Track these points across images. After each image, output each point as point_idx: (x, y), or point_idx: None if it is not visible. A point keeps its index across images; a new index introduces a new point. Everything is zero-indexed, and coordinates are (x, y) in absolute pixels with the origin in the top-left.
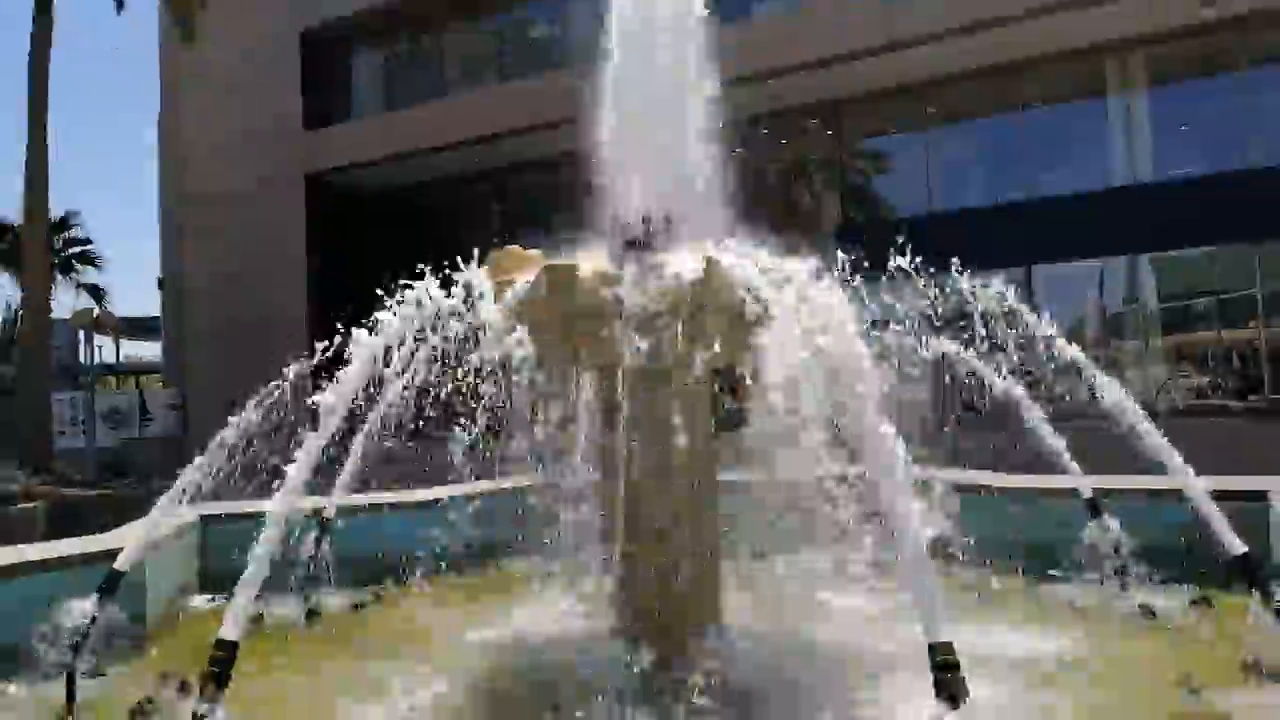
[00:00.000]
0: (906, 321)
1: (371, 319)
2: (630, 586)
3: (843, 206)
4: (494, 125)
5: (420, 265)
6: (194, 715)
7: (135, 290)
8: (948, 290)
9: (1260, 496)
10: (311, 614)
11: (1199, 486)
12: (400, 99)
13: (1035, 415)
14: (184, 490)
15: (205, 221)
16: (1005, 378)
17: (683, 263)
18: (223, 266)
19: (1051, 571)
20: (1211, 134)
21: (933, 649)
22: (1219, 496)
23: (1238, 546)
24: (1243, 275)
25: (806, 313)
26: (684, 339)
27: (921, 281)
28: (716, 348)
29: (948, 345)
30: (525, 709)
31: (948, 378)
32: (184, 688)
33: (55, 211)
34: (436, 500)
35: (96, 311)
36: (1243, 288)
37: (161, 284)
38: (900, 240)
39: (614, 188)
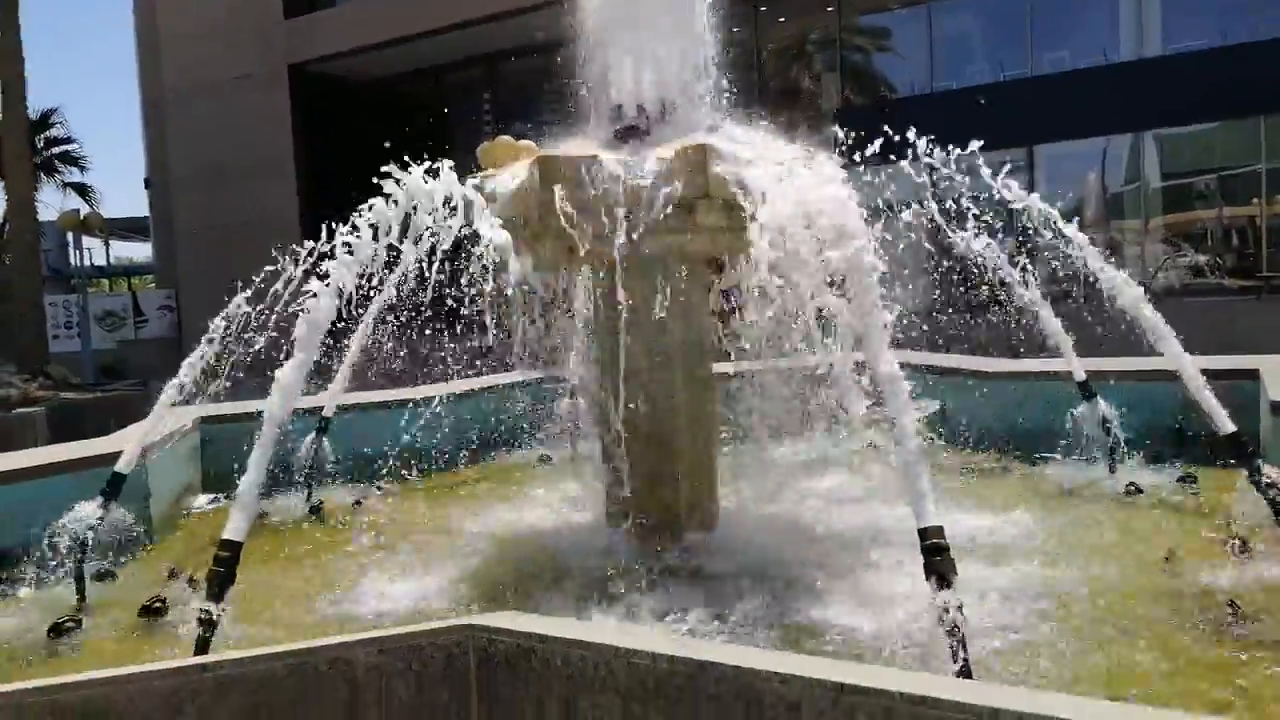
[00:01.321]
0: (908, 204)
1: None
2: (626, 478)
3: (842, 87)
4: (483, 8)
5: (410, 158)
6: (201, 616)
7: (123, 190)
8: (949, 173)
9: (1252, 375)
10: (314, 510)
11: (1191, 366)
12: None
13: (1033, 297)
14: (180, 389)
15: (188, 117)
16: (1004, 261)
17: (679, 151)
18: (209, 164)
19: (1043, 454)
20: (1219, 6)
21: (923, 533)
22: (1211, 376)
23: (1228, 426)
24: (1247, 151)
25: (804, 200)
26: (680, 229)
27: (922, 164)
28: (714, 238)
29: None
30: (520, 596)
31: (949, 260)
32: (193, 583)
33: (34, 109)
34: (436, 397)
35: (84, 212)
36: (1247, 163)
37: (148, 183)
38: (900, 121)
39: (608, 74)
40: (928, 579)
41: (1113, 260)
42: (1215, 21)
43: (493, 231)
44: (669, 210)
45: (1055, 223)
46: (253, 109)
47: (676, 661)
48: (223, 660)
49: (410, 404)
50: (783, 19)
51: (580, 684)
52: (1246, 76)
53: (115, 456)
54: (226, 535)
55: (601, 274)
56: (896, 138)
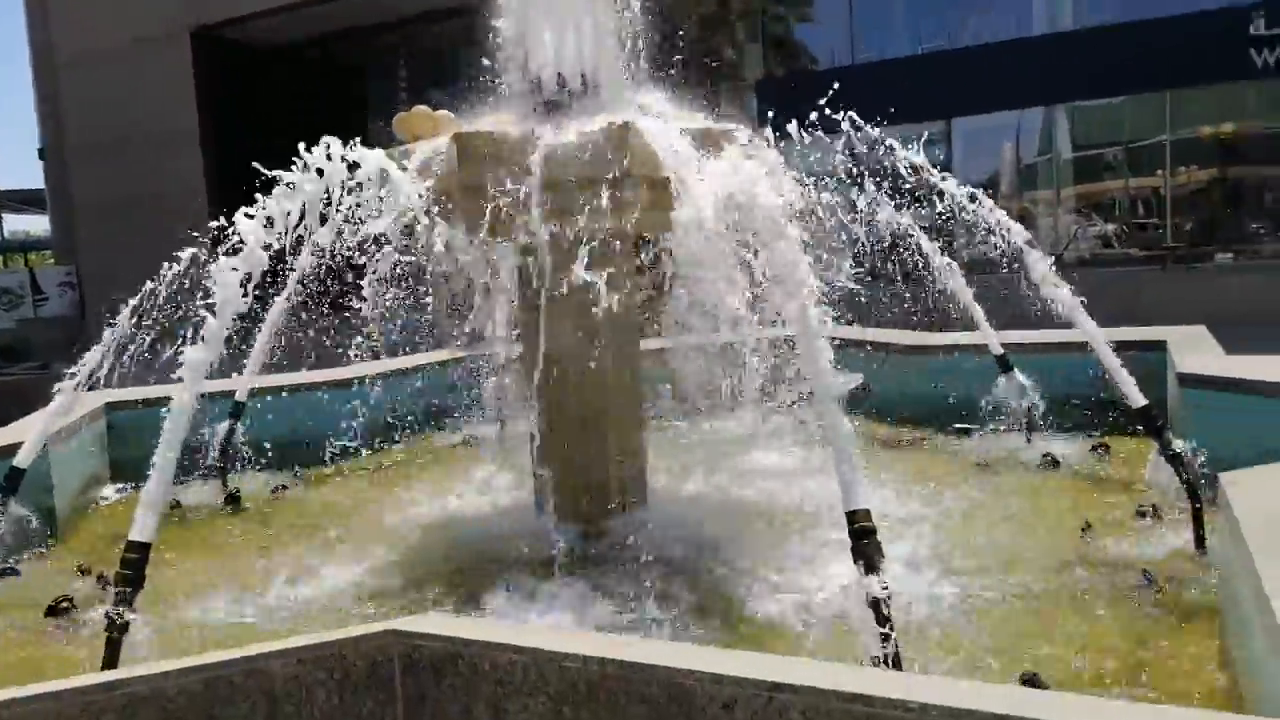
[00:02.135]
0: (828, 178)
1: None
2: (553, 459)
3: (764, 57)
4: None
5: (322, 128)
6: (109, 622)
7: (16, 160)
8: (870, 145)
9: (1159, 346)
10: (231, 498)
11: (1103, 340)
12: None
13: (952, 271)
14: (86, 376)
15: (84, 83)
16: (924, 235)
17: (601, 128)
18: (107, 134)
19: (962, 426)
20: None
21: (851, 515)
22: (1120, 347)
23: (1139, 400)
24: (1153, 124)
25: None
26: (603, 208)
27: (843, 137)
28: (637, 215)
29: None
30: (448, 586)
31: (868, 234)
32: (103, 580)
33: None
34: (355, 379)
35: None
36: (1152, 136)
37: (43, 154)
38: (821, 93)
39: (527, 44)
40: (855, 563)
41: (1028, 231)
42: None
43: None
44: (591, 187)
45: (972, 200)
46: (155, 75)
47: (608, 663)
48: (131, 677)
49: (330, 386)
50: None
51: (510, 688)
52: (1153, 51)
53: (14, 448)
54: (134, 536)
55: (523, 252)
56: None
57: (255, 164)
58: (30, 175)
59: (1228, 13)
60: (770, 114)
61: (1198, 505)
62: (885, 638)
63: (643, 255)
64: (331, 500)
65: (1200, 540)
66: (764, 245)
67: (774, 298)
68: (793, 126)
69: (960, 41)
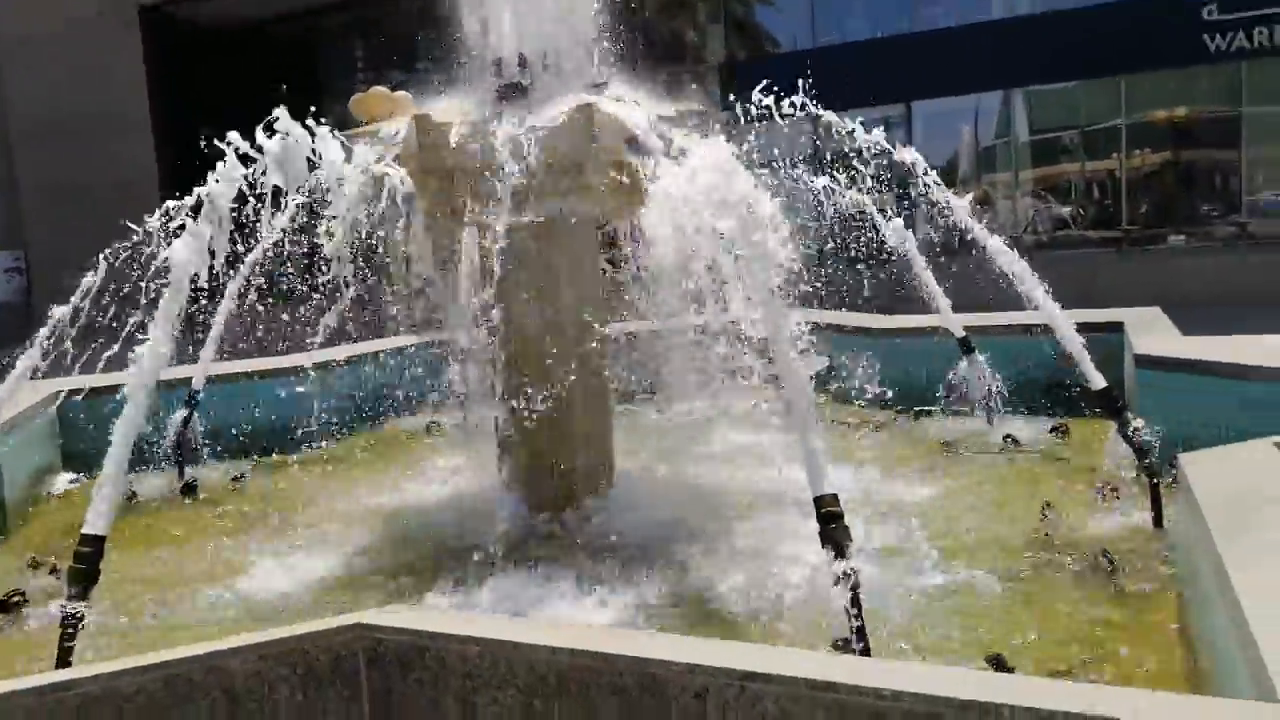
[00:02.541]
0: (790, 161)
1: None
2: (519, 444)
3: (725, 40)
4: None
5: (276, 111)
6: (63, 616)
7: None
8: (832, 129)
9: (1117, 328)
10: (188, 488)
11: (1064, 322)
12: None
13: (914, 254)
14: (33, 364)
15: (27, 64)
16: (886, 218)
17: (562, 111)
18: (54, 116)
19: (925, 408)
20: None
21: (818, 501)
22: (1078, 329)
23: (1099, 382)
24: (1109, 108)
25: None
26: (565, 192)
27: (805, 120)
28: (602, 201)
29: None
30: (414, 576)
31: (831, 217)
32: (55, 573)
33: None
34: (310, 365)
35: None
36: (1107, 120)
37: None
38: (782, 76)
39: (487, 24)
40: (824, 547)
41: (985, 213)
42: None
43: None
44: (555, 171)
45: (932, 182)
46: (101, 56)
47: (577, 654)
48: (86, 677)
49: (289, 372)
50: None
51: (478, 681)
52: (1108, 36)
53: None
54: (87, 529)
55: (488, 236)
56: (780, 94)
57: (211, 146)
58: None
59: None
60: (731, 97)
61: (1155, 484)
62: (853, 622)
63: (609, 239)
64: (291, 489)
65: (1158, 518)
66: (731, 228)
67: (740, 282)
68: (747, 108)
69: (919, 25)
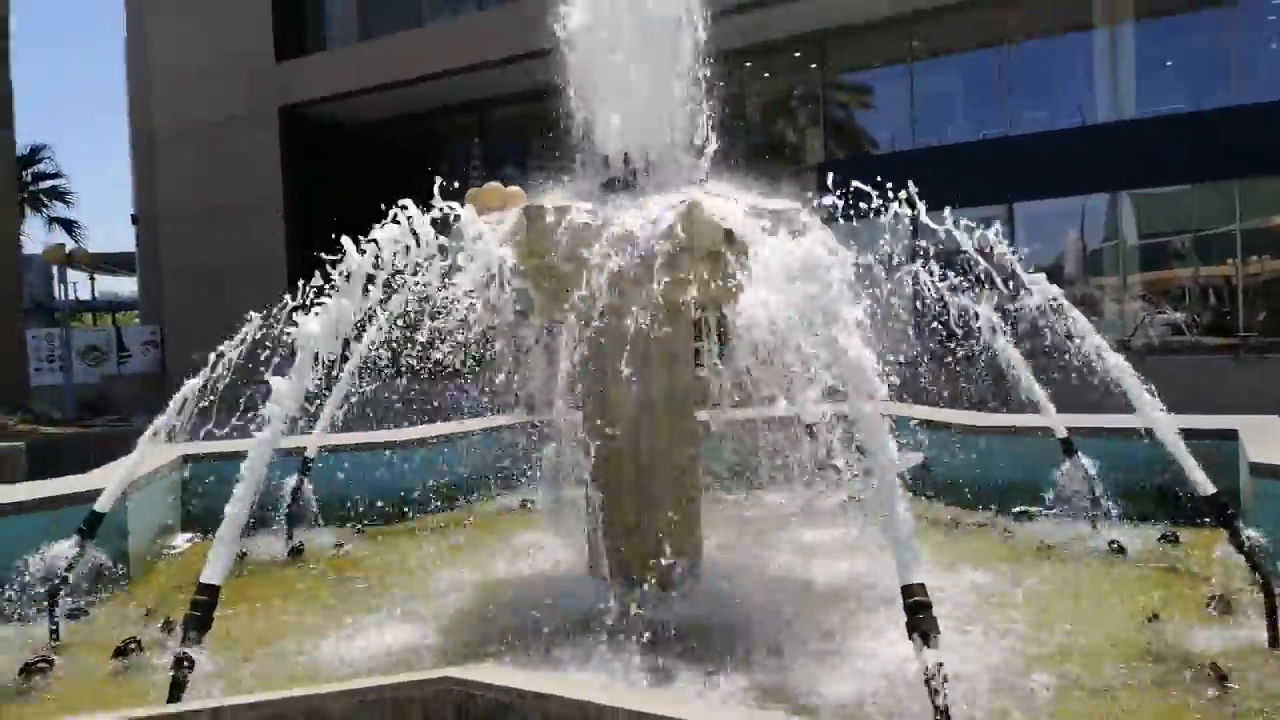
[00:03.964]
0: (891, 259)
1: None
2: (609, 526)
3: (825, 141)
4: (473, 56)
5: (399, 202)
6: (176, 659)
7: (110, 225)
8: (932, 229)
9: (1231, 435)
10: (295, 551)
11: (1170, 426)
12: (375, 28)
13: (1015, 356)
14: (162, 429)
15: (177, 155)
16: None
17: (665, 206)
18: (197, 202)
19: (1024, 509)
20: (1194, 71)
21: (906, 590)
22: (1191, 435)
23: (1208, 487)
24: (1221, 213)
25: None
26: (663, 281)
27: (906, 219)
28: (696, 291)
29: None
30: (500, 648)
31: (929, 315)
32: (168, 626)
33: (23, 145)
34: (420, 440)
35: (70, 246)
36: (1221, 225)
37: (135, 219)
38: (882, 176)
39: (595, 125)
40: (910, 637)
41: (1094, 319)
42: (1188, 87)
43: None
44: (654, 262)
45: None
46: (242, 149)
47: (653, 719)
48: (197, 710)
49: (394, 446)
50: (768, 74)
51: None
52: (1219, 142)
53: (94, 494)
54: (204, 579)
55: (587, 321)
56: (880, 194)
57: (336, 233)
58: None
59: None
60: (836, 196)
61: (1272, 599)
62: (940, 711)
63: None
64: (391, 559)
65: (1275, 637)
66: (825, 320)
67: (835, 372)
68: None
69: (1020, 129)
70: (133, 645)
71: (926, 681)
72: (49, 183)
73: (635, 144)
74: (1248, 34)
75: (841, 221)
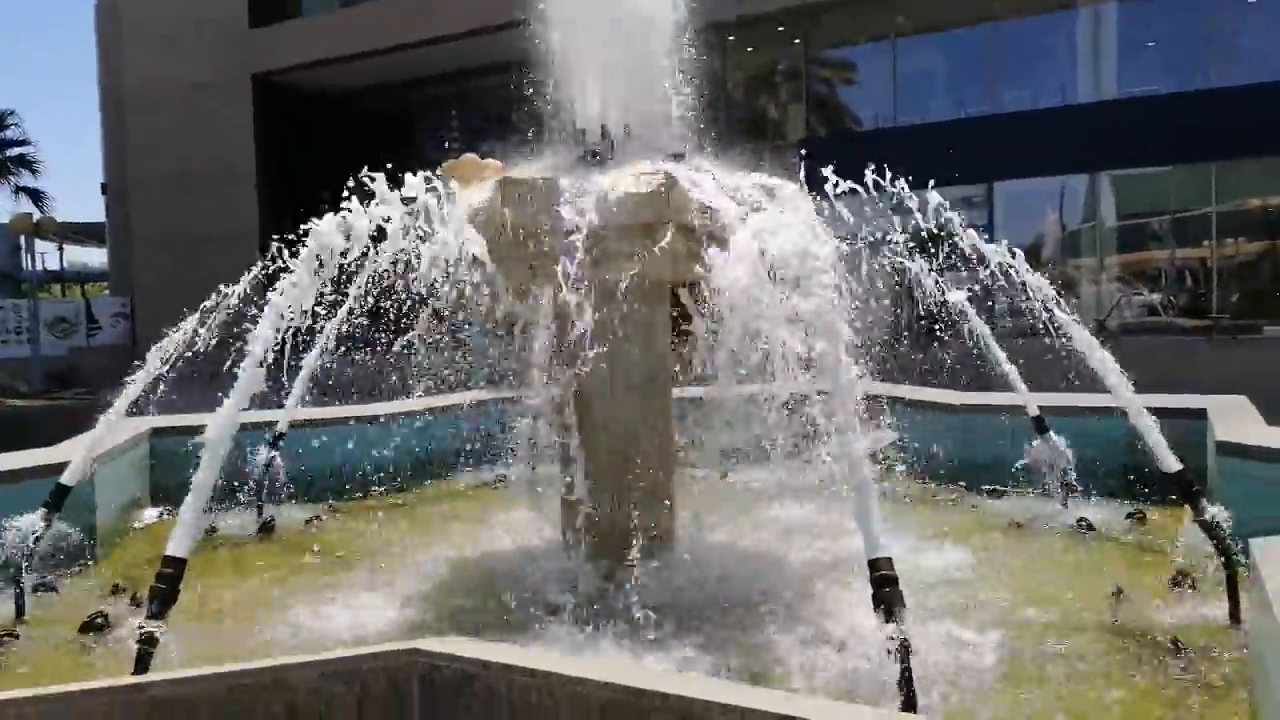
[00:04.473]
0: (869, 237)
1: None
2: (584, 501)
3: (807, 118)
4: (451, 25)
5: (374, 173)
6: (141, 631)
7: (79, 195)
8: (910, 207)
9: (1200, 415)
10: (265, 527)
11: (1138, 405)
12: None
13: (987, 333)
14: (131, 401)
15: (148, 124)
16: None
17: (641, 178)
18: (168, 171)
19: (994, 486)
20: (1174, 53)
21: (873, 564)
22: (1160, 415)
23: (1173, 464)
24: (1198, 195)
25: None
26: (637, 254)
27: (885, 197)
28: (674, 264)
29: (911, 263)
30: (473, 622)
31: (906, 294)
32: (135, 600)
33: None
34: (392, 414)
35: (37, 216)
36: (1197, 207)
37: (105, 189)
38: (863, 154)
39: (573, 96)
40: (875, 610)
41: (1070, 299)
42: (1168, 69)
43: (470, 242)
44: (630, 235)
45: (1015, 270)
46: (216, 117)
47: (621, 689)
48: (158, 680)
49: (367, 421)
50: (751, 49)
51: (524, 711)
52: (1198, 124)
53: (61, 467)
54: (170, 552)
55: (561, 294)
56: (860, 171)
57: (310, 202)
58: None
59: (1276, 86)
60: (812, 172)
61: (1232, 575)
62: (904, 683)
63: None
64: (363, 534)
65: (1235, 612)
66: (800, 294)
67: (806, 349)
68: (829, 185)
69: (1003, 108)
70: (100, 619)
71: (891, 652)
72: (16, 150)
73: (614, 117)
74: (1227, 17)
75: (820, 199)
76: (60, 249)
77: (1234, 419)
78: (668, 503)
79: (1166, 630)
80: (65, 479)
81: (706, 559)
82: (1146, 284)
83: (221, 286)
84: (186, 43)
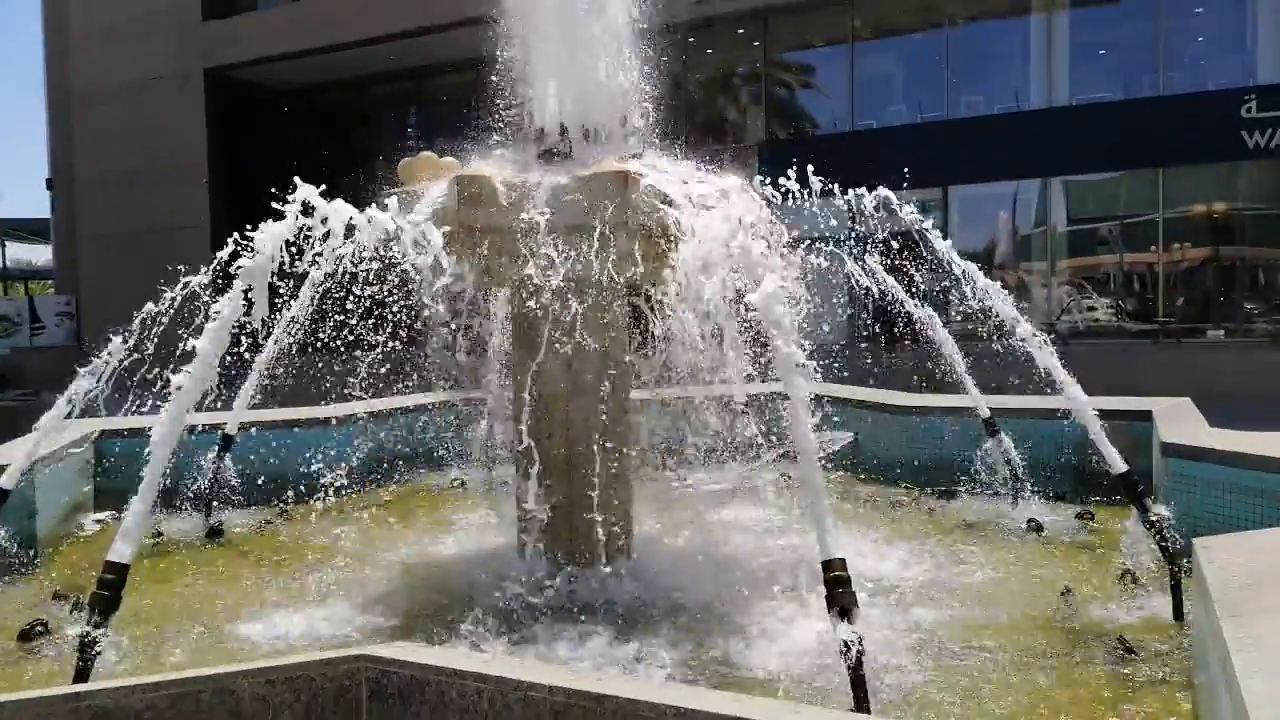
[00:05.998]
0: (826, 239)
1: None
2: (539, 503)
3: (766, 120)
4: (411, 20)
5: (330, 170)
6: (82, 640)
7: (23, 191)
8: (866, 209)
9: (1146, 416)
10: (214, 531)
11: (1087, 407)
12: None
13: (943, 335)
14: (71, 403)
15: (96, 119)
16: (915, 299)
17: (599, 174)
18: (116, 167)
19: (948, 487)
20: (1125, 60)
21: (826, 565)
22: (1107, 416)
23: (1119, 465)
24: (1147, 201)
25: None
26: (599, 256)
27: (842, 200)
28: (633, 265)
29: (865, 265)
30: (428, 627)
31: (861, 295)
32: (76, 607)
33: None
34: (346, 416)
35: None
36: (1145, 212)
37: (50, 184)
38: (820, 157)
39: (532, 95)
40: (829, 611)
41: (1022, 303)
42: (1119, 76)
43: (433, 234)
44: (586, 234)
45: (967, 272)
46: (167, 112)
47: (573, 694)
48: (100, 689)
49: (321, 423)
50: (710, 51)
51: (475, 717)
52: (1147, 130)
53: None
54: (111, 557)
55: (518, 295)
56: (817, 174)
57: (264, 200)
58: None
59: (1221, 95)
60: (770, 174)
61: (1175, 572)
62: (856, 682)
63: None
64: (316, 538)
65: (1178, 609)
66: (753, 294)
67: (762, 351)
68: (785, 184)
69: (958, 112)
70: (39, 627)
71: (843, 653)
72: None
73: (573, 116)
74: (1176, 25)
75: (781, 201)
76: (3, 246)
77: (1178, 420)
78: (624, 505)
79: (1113, 628)
80: (3, 482)
81: (664, 563)
82: (1096, 288)
83: (162, 287)
84: (137, 35)
